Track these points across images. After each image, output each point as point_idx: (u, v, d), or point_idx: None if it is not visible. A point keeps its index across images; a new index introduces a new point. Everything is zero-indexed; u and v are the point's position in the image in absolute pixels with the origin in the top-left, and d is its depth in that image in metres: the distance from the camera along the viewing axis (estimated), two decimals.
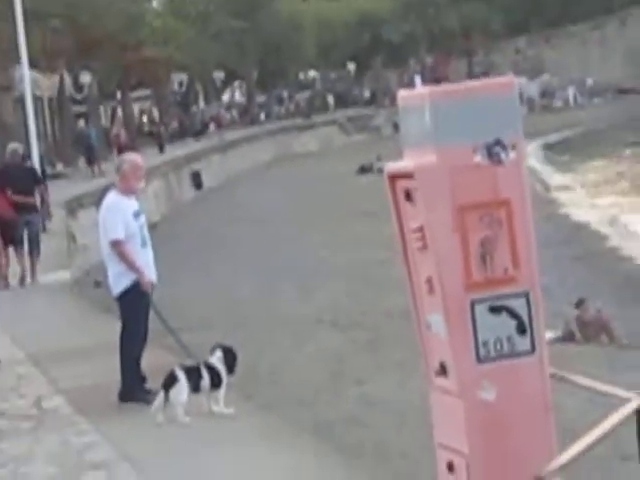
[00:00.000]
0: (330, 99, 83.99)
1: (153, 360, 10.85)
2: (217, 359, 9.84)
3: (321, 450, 8.98)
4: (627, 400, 4.87)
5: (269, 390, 11.99)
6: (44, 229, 23.90)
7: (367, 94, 77.77)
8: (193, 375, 9.63)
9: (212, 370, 9.71)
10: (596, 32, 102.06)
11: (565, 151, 67.07)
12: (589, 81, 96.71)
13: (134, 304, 10.41)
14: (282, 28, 76.05)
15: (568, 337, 18.97)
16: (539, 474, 4.44)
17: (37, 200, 22.23)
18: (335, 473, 8.15)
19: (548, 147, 64.41)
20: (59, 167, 41.02)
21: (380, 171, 5.72)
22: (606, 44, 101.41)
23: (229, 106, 78.69)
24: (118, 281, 10.44)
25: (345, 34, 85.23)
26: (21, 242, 20.84)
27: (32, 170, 24.26)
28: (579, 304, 20.45)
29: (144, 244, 10.53)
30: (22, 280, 20.54)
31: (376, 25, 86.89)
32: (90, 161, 42.63)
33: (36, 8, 34.52)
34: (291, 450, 8.86)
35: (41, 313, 17.29)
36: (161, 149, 48.18)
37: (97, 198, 13.34)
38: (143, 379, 10.56)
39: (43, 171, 27.61)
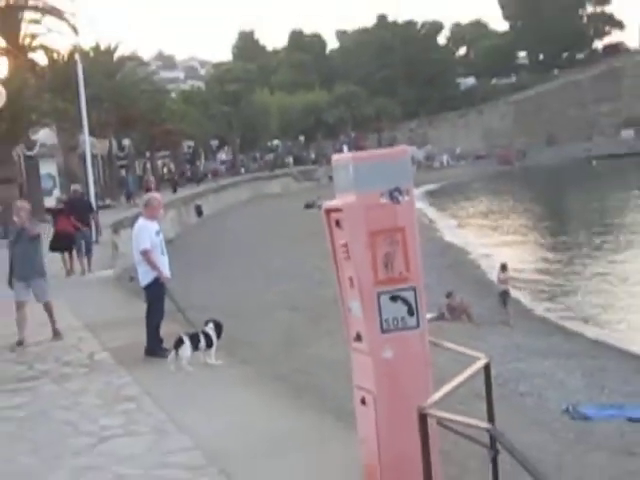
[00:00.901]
0: (288, 159, 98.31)
1: (168, 329, 12.62)
2: (210, 328, 11.84)
3: (278, 389, 10.47)
4: (478, 359, 5.88)
5: (245, 350, 13.31)
6: (97, 242, 27.86)
7: (312, 156, 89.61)
8: (194, 339, 11.58)
9: (207, 336, 11.74)
10: (462, 119, 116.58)
11: (441, 195, 70.22)
12: (457, 150, 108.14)
13: (155, 292, 12.60)
14: (256, 112, 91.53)
15: (441, 317, 21.08)
16: (421, 406, 4.88)
17: (92, 223, 27.03)
18: (287, 404, 9.58)
19: (429, 193, 68.62)
20: (107, 201, 46.82)
21: (319, 207, 6.79)
22: (469, 126, 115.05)
23: (221, 163, 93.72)
24: (145, 277, 12.57)
25: (298, 117, 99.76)
26: (79, 249, 24.83)
27: (88, 202, 29.50)
28: (448, 295, 22.73)
29: (162, 253, 12.67)
30: (82, 273, 24.32)
31: (318, 111, 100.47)
32: (128, 197, 50.21)
33: (94, 94, 39.11)
34: (258, 389, 10.44)
35: (93, 297, 19.48)
36: (174, 190, 55.24)
37: (131, 221, 15.41)
38: (161, 341, 12.53)
39: (97, 204, 33.22)
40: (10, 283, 14.02)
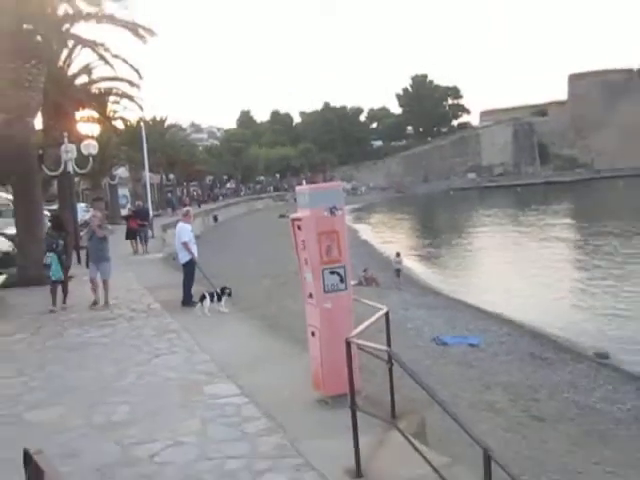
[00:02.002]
0: (269, 188, 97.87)
1: (196, 289, 12.51)
2: (225, 289, 11.71)
3: (262, 326, 10.57)
4: (381, 309, 5.92)
5: (243, 302, 13.35)
6: (152, 236, 28.04)
7: (285, 187, 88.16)
8: (212, 295, 11.46)
9: (221, 293, 11.59)
10: (374, 165, 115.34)
11: (361, 211, 70.22)
12: (371, 184, 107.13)
13: (189, 267, 12.56)
14: (250, 159, 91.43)
15: (360, 284, 20.72)
16: (347, 337, 4.84)
17: (148, 224, 27.37)
18: (267, 335, 9.58)
19: (354, 209, 68.15)
20: (159, 212, 45.87)
21: (288, 217, 6.83)
22: (377, 170, 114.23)
23: (229, 189, 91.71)
24: (184, 258, 12.65)
25: (275, 163, 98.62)
26: (141, 239, 25.14)
27: (147, 211, 29.46)
28: (364, 270, 22.79)
29: (194, 244, 12.74)
30: (143, 253, 24.43)
31: (288, 160, 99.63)
32: (172, 210, 48.36)
33: (151, 147, 40.03)
34: (250, 326, 10.53)
35: (149, 270, 19.18)
36: (199, 206, 54.38)
37: (173, 225, 15.58)
38: (191, 297, 12.38)
39: (152, 213, 32.98)
40: (87, 264, 13.74)
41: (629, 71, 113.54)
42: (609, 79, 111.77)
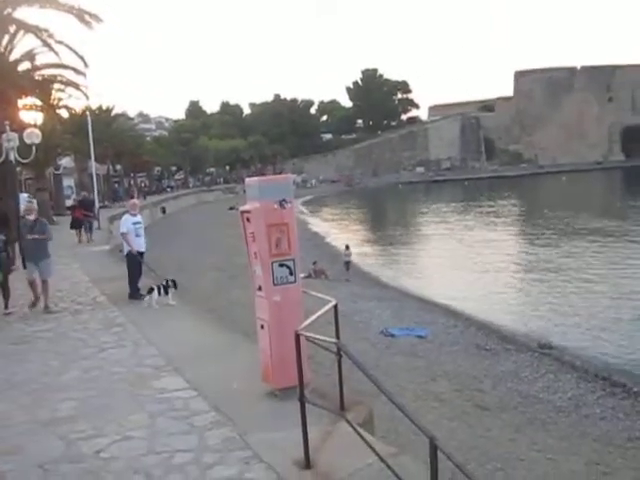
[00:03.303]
0: (219, 180, 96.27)
1: (144, 283, 12.21)
2: (172, 282, 11.37)
3: (209, 319, 10.43)
4: (330, 301, 5.84)
5: (190, 295, 13.19)
6: (99, 228, 28.01)
7: (235, 179, 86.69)
8: (160, 288, 11.20)
9: (166, 286, 11.27)
10: (324, 158, 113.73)
11: (311, 203, 70.19)
12: (320, 177, 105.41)
13: (130, 259, 12.18)
14: (200, 151, 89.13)
15: (309, 276, 21.02)
16: (296, 330, 4.80)
17: (93, 214, 27.40)
18: (214, 327, 9.41)
19: (304, 202, 67.94)
20: (105, 203, 44.47)
21: (237, 209, 6.75)
22: (327, 163, 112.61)
23: (177, 181, 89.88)
24: (125, 249, 12.34)
25: (225, 155, 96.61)
26: (85, 228, 25.06)
27: (92, 201, 29.28)
28: (314, 263, 23.00)
29: (137, 235, 12.26)
30: (87, 242, 24.44)
31: (238, 152, 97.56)
32: (117, 200, 48.46)
33: (98, 137, 38.64)
34: (197, 319, 10.31)
35: (96, 262, 18.69)
36: (144, 198, 52.66)
37: (120, 216, 14.95)
38: (138, 289, 12.01)
39: (98, 205, 32.63)
40: (24, 264, 11.96)
41: (572, 69, 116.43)
42: (553, 77, 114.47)
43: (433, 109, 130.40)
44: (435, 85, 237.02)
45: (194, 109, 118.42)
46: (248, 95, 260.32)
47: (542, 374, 12.58)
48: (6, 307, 11.33)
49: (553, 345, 15.00)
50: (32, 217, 11.86)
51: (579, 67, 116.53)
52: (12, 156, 20.36)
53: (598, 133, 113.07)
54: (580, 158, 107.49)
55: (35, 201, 29.73)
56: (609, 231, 34.70)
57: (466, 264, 27.82)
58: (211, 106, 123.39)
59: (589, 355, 14.27)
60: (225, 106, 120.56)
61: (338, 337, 5.62)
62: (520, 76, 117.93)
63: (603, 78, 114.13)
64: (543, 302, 20.01)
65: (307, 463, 4.71)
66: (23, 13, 21.81)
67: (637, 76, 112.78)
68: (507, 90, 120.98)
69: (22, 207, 15.94)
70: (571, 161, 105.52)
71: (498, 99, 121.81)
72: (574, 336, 16.02)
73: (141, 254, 12.30)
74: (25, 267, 11.82)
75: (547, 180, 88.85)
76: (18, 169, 28.56)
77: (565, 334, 16.18)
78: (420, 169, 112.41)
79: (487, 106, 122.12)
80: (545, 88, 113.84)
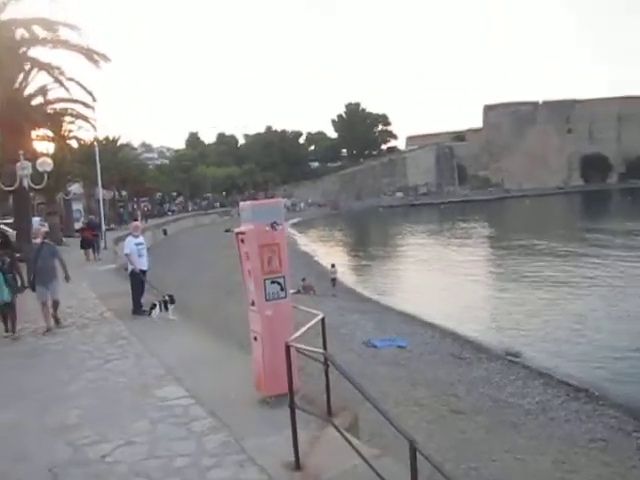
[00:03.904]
0: (216, 204, 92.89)
1: (146, 299, 11.99)
2: (169, 297, 11.20)
3: (207, 332, 10.20)
4: (318, 314, 5.81)
5: (189, 310, 13.03)
6: (105, 248, 27.86)
7: (230, 203, 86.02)
8: (162, 304, 11.04)
9: (167, 302, 11.10)
10: (312, 184, 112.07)
11: (300, 225, 69.84)
12: (309, 200, 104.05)
13: (134, 277, 11.96)
14: (198, 178, 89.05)
15: (298, 292, 20.74)
16: (287, 341, 4.82)
17: (100, 235, 27.71)
18: (212, 340, 9.28)
19: (294, 224, 67.26)
20: (111, 225, 43.25)
21: (233, 231, 6.72)
22: (315, 188, 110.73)
23: (177, 205, 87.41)
24: (129, 268, 12.11)
25: (221, 181, 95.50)
26: (93, 248, 24.92)
27: (99, 224, 29.75)
28: (303, 279, 22.81)
29: (140, 255, 12.01)
30: (95, 260, 24.12)
31: (233, 179, 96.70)
32: (122, 223, 47.09)
33: (104, 165, 37.38)
34: (196, 332, 10.15)
35: (102, 280, 18.20)
36: (146, 221, 51.06)
37: (124, 238, 14.62)
38: (141, 305, 11.81)
39: (104, 227, 32.36)
40: (33, 287, 10.90)
41: (535, 103, 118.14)
42: (518, 110, 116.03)
43: (410, 139, 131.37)
44: (412, 117, 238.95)
45: (193, 139, 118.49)
46: (242, 126, 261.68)
47: (511, 380, 12.59)
48: (13, 331, 10.46)
49: (521, 354, 15.03)
50: (39, 240, 11.35)
51: (541, 102, 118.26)
52: (26, 183, 20.30)
53: (559, 161, 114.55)
54: (543, 183, 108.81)
55: (47, 224, 29.78)
56: (569, 251, 34.96)
57: (441, 280, 27.90)
58: (208, 137, 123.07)
59: (554, 363, 14.28)
60: (221, 137, 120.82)
61: (325, 348, 5.58)
62: (488, 110, 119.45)
63: (563, 111, 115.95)
64: (511, 314, 20.06)
65: (297, 465, 4.69)
66: (37, 52, 21.87)
67: (593, 110, 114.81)
68: (477, 122, 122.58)
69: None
70: (535, 186, 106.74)
71: (469, 130, 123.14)
72: (540, 345, 16.06)
73: (144, 272, 12.13)
74: (34, 290, 10.90)
75: (513, 203, 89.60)
76: (31, 194, 28.39)
77: (531, 344, 16.20)
78: (399, 194, 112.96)
79: (459, 136, 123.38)
80: (511, 120, 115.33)
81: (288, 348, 4.77)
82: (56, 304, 11.23)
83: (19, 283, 10.87)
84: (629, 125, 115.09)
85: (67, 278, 11.37)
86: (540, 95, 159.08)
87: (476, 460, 8.16)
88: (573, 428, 9.99)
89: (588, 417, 10.57)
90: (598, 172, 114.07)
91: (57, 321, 11.20)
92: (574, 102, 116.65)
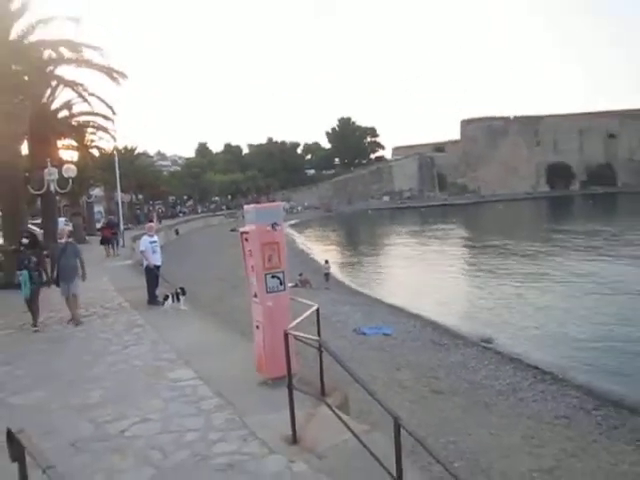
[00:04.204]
0: (223, 207, 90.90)
1: (160, 291, 12.02)
2: (181, 290, 11.16)
3: (214, 321, 10.25)
4: (313, 305, 5.94)
5: (198, 302, 12.90)
6: (123, 246, 27.24)
7: (235, 205, 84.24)
8: (174, 295, 11.01)
9: (178, 294, 11.06)
10: (308, 190, 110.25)
11: (297, 226, 69.39)
12: (305, 204, 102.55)
13: (149, 272, 11.97)
14: (206, 183, 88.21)
15: (296, 285, 20.50)
16: (285, 330, 4.90)
17: (119, 233, 27.85)
18: (218, 328, 9.32)
19: (292, 225, 66.37)
20: (129, 225, 42.19)
21: (238, 231, 6.75)
22: (311, 193, 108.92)
23: (188, 207, 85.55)
24: (144, 263, 12.15)
25: (227, 186, 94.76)
26: (113, 244, 25.07)
27: (117, 223, 29.87)
28: (300, 274, 22.60)
29: (154, 252, 12.03)
30: (114, 256, 24.11)
31: (238, 184, 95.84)
32: (138, 223, 45.96)
33: (123, 172, 37.31)
34: (204, 320, 10.17)
35: (121, 274, 17.92)
36: (160, 222, 49.40)
37: (140, 236, 14.35)
38: (156, 297, 11.76)
39: (123, 227, 31.97)
40: (57, 282, 10.60)
41: (507, 118, 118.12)
42: (492, 124, 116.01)
43: (396, 149, 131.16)
44: (398, 130, 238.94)
45: (202, 149, 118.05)
46: (247, 137, 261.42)
47: (485, 364, 12.60)
48: (35, 324, 10.14)
49: (493, 340, 15.06)
50: (63, 240, 10.87)
51: (512, 117, 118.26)
52: (52, 187, 20.24)
53: (528, 169, 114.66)
54: (514, 190, 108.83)
55: (71, 224, 29.69)
56: (537, 250, 35.02)
57: (422, 275, 27.92)
58: (216, 146, 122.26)
59: (523, 349, 14.31)
60: (228, 146, 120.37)
61: (319, 335, 5.65)
62: (466, 124, 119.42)
63: (531, 126, 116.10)
64: (485, 306, 20.10)
65: (294, 439, 4.72)
66: (62, 70, 21.82)
67: (558, 124, 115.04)
68: (455, 134, 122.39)
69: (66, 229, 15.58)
70: (507, 192, 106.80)
71: (448, 142, 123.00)
72: (511, 333, 16.09)
73: (157, 267, 12.14)
74: (58, 285, 10.60)
75: (487, 207, 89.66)
76: (57, 198, 28.27)
77: (503, 332, 16.23)
78: (386, 198, 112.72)
79: (439, 147, 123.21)
80: (486, 133, 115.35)
81: (286, 335, 4.79)
82: (75, 299, 10.62)
83: (44, 279, 10.74)
84: (590, 137, 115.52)
85: (83, 276, 10.78)
86: (512, 110, 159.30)
87: (454, 435, 8.18)
88: (540, 407, 10.00)
89: (553, 397, 10.58)
90: (562, 179, 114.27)
91: (77, 320, 10.39)
92: (541, 117, 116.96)
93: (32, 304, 10.20)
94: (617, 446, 8.34)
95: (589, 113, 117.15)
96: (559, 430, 8.88)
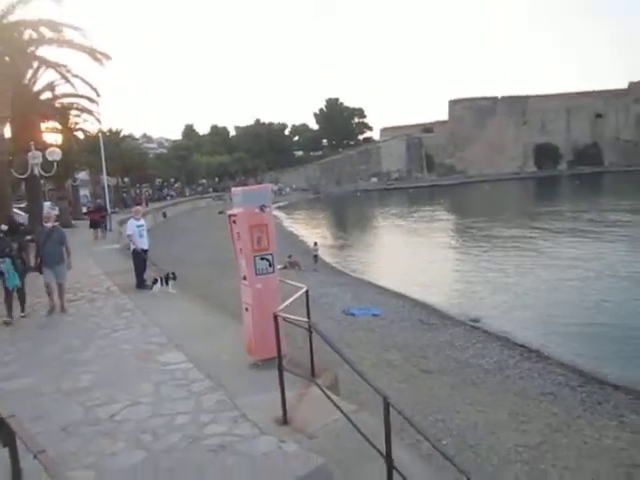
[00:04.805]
0: (210, 189, 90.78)
1: (148, 275, 11.90)
2: (172, 275, 11.07)
3: (204, 303, 10.19)
4: (302, 287, 5.84)
5: (187, 284, 12.85)
6: (110, 230, 26.55)
7: (223, 188, 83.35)
8: (163, 279, 10.94)
9: (167, 277, 10.99)
10: (296, 171, 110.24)
11: (285, 208, 69.25)
12: (293, 186, 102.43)
13: (136, 255, 11.80)
14: (193, 165, 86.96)
15: (285, 267, 20.50)
16: (275, 312, 4.85)
17: (107, 217, 27.08)
18: (208, 310, 9.22)
19: (280, 207, 66.18)
20: (116, 209, 41.52)
21: (226, 213, 6.69)
22: (299, 175, 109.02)
23: (175, 190, 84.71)
24: (131, 247, 11.97)
25: (214, 168, 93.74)
26: (101, 227, 24.64)
27: (105, 207, 29.43)
28: (289, 256, 22.63)
29: (141, 236, 11.86)
30: (102, 239, 23.50)
31: (225, 166, 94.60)
32: (125, 207, 44.94)
33: (108, 155, 36.86)
34: (193, 303, 10.09)
35: (108, 258, 17.71)
36: (147, 205, 49.46)
37: (127, 220, 14.08)
38: (144, 280, 11.68)
39: (110, 210, 31.47)
40: (40, 269, 10.03)
41: (494, 98, 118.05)
42: (479, 104, 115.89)
43: (384, 131, 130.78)
44: (386, 110, 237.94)
45: (189, 131, 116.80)
46: (233, 119, 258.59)
47: (473, 343, 12.76)
48: (22, 310, 9.81)
49: (481, 320, 15.23)
50: (50, 224, 10.33)
51: (500, 97, 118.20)
52: (37, 170, 19.99)
53: (515, 150, 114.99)
54: (501, 170, 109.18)
55: (57, 208, 29.36)
56: (523, 231, 35.27)
57: (409, 256, 28.05)
58: (203, 128, 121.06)
59: (509, 328, 14.49)
60: (214, 128, 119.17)
61: (309, 317, 5.65)
62: (453, 104, 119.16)
63: (519, 106, 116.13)
64: (472, 286, 20.28)
65: (285, 420, 4.75)
66: (44, 51, 21.47)
67: (545, 104, 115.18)
68: (443, 115, 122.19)
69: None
70: (494, 172, 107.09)
71: (436, 122, 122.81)
72: (497, 313, 16.27)
73: (145, 251, 12.01)
74: (41, 272, 10.04)
75: (474, 188, 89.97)
76: (42, 181, 27.92)
77: (490, 311, 16.41)
78: (374, 179, 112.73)
79: (427, 128, 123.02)
80: (473, 114, 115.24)
81: (276, 317, 4.78)
82: (61, 288, 10.07)
83: (29, 265, 10.34)
84: (577, 117, 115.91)
85: (69, 265, 10.16)
86: (499, 90, 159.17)
87: (442, 413, 8.30)
88: (526, 384, 10.17)
89: (539, 374, 10.76)
90: (549, 160, 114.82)
91: (63, 308, 10.03)
92: (528, 97, 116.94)
93: (20, 292, 9.79)
94: (601, 421, 8.52)
95: (576, 93, 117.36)
96: (545, 406, 9.04)
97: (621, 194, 55.30)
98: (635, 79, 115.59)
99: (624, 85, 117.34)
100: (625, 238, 29.06)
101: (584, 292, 18.06)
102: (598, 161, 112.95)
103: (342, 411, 4.31)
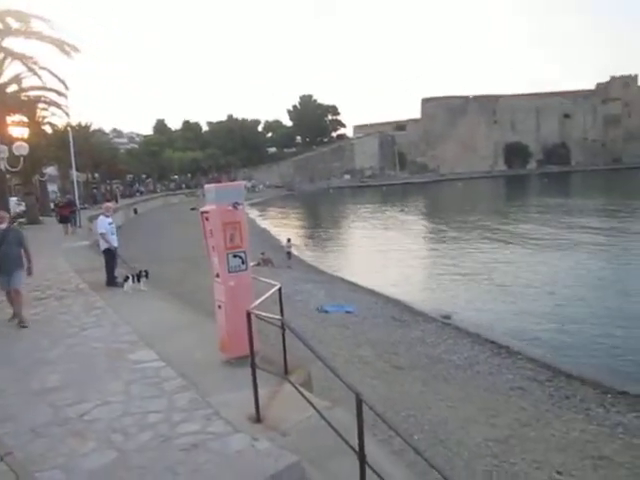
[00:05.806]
0: (182, 186, 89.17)
1: (118, 272, 11.77)
2: (145, 272, 11.02)
3: (177, 301, 10.05)
4: (275, 285, 5.85)
5: (159, 282, 12.61)
6: (80, 226, 26.32)
7: (195, 184, 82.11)
8: (134, 276, 10.84)
9: (140, 275, 10.93)
10: (269, 168, 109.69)
11: (258, 205, 68.64)
12: (267, 182, 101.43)
13: (107, 253, 11.66)
14: (165, 161, 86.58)
15: (258, 265, 20.41)
16: (247, 309, 4.81)
17: (76, 213, 26.74)
18: (181, 308, 9.11)
19: (253, 204, 65.54)
20: (85, 205, 41.33)
21: (198, 210, 6.64)
22: (272, 172, 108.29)
23: (146, 186, 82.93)
24: (102, 246, 11.75)
25: (187, 164, 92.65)
26: (70, 223, 24.49)
27: (74, 202, 28.72)
28: (262, 253, 22.48)
29: (112, 234, 11.72)
30: (73, 233, 23.52)
31: (197, 162, 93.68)
32: (95, 203, 44.59)
33: (78, 149, 35.88)
34: (166, 301, 9.96)
35: (78, 255, 17.51)
36: (117, 201, 47.93)
37: (97, 216, 13.78)
38: (115, 278, 11.53)
39: (79, 207, 30.88)
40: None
41: (466, 97, 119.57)
42: (451, 103, 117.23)
43: (357, 128, 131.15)
44: (359, 108, 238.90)
45: (160, 126, 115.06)
46: (206, 114, 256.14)
47: (444, 339, 12.91)
48: None
49: (452, 316, 15.43)
50: (3, 226, 8.89)
51: (471, 96, 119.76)
52: (2, 165, 19.52)
53: (486, 148, 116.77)
54: (472, 168, 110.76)
55: (24, 204, 28.74)
56: (495, 228, 35.82)
57: (383, 253, 28.22)
58: (175, 123, 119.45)
59: (480, 324, 14.71)
60: (186, 124, 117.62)
61: (282, 314, 5.64)
62: (426, 102, 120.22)
63: (489, 105, 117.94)
64: (443, 283, 20.51)
65: (258, 418, 4.75)
66: (10, 43, 20.90)
67: (515, 103, 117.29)
68: (416, 113, 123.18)
69: (17, 208, 14.92)
70: (466, 170, 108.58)
71: (409, 120, 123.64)
72: (468, 309, 16.50)
73: (115, 249, 11.89)
74: None
75: (447, 185, 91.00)
76: (8, 177, 27.23)
77: (461, 308, 16.63)
78: (347, 176, 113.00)
79: (400, 126, 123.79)
80: (445, 112, 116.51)
81: (249, 315, 4.76)
82: (18, 295, 8.83)
83: None
84: (546, 117, 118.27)
85: (29, 270, 8.88)
86: (470, 89, 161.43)
87: (414, 408, 8.38)
88: (495, 379, 10.33)
89: (508, 369, 10.94)
90: (519, 158, 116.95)
91: (21, 320, 8.71)
92: (499, 97, 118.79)
93: None
94: (568, 415, 8.70)
95: (545, 93, 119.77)
96: (514, 401, 9.21)
97: (585, 192, 56.78)
98: (604, 79, 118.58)
99: (592, 86, 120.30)
100: (595, 231, 29.74)
101: (553, 288, 18.43)
102: (566, 160, 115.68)
103: (315, 408, 4.33)
